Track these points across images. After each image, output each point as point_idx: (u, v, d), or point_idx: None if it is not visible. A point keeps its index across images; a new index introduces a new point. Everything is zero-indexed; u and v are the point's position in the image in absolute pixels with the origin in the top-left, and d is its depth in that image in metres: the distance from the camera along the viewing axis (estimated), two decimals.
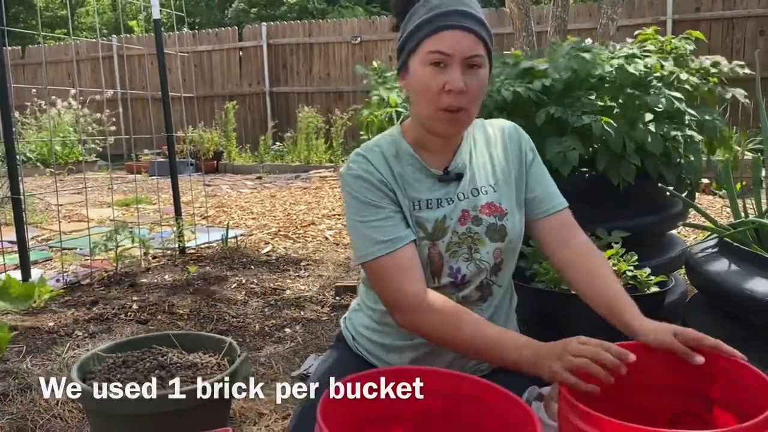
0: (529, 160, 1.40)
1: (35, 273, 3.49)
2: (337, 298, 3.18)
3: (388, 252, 1.23)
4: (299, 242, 4.50)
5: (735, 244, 1.61)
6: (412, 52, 1.25)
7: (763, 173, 1.87)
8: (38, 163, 8.65)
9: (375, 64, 3.03)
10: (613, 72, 2.23)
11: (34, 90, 8.21)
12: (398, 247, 1.23)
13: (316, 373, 1.49)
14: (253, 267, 3.74)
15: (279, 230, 4.90)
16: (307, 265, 3.85)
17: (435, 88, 1.21)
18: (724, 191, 1.90)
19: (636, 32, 2.79)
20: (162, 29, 4.09)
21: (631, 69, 2.23)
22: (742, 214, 1.82)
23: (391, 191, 1.28)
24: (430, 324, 1.20)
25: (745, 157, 5.15)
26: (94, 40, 5.98)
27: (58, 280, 3.41)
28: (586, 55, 2.22)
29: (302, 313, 3.00)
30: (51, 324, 2.83)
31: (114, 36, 12.33)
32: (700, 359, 1.08)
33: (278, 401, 2.10)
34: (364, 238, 1.26)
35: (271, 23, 11.60)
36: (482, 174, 1.36)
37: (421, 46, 1.22)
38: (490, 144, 1.40)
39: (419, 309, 1.21)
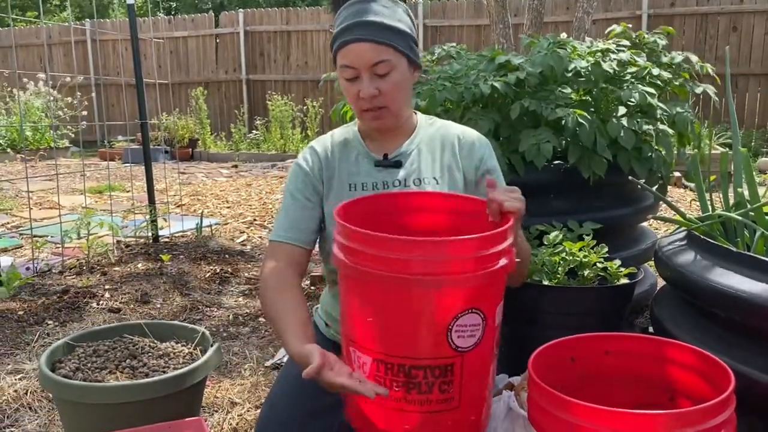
0: (480, 173, 1.43)
1: (5, 260, 3.44)
2: (311, 287, 3.18)
3: (279, 240, 1.39)
4: None
5: (702, 236, 1.64)
6: (335, 64, 1.37)
7: (732, 168, 1.90)
8: (8, 149, 8.48)
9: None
10: (589, 68, 2.26)
11: (7, 73, 8.02)
12: (285, 242, 1.39)
13: (290, 357, 1.52)
14: (227, 256, 3.72)
15: (254, 219, 4.87)
16: None
17: (353, 96, 1.34)
18: (694, 184, 1.93)
19: (608, 28, 2.81)
20: (136, 14, 4.03)
21: (606, 66, 2.26)
22: (710, 208, 1.86)
23: (325, 179, 1.42)
24: (261, 296, 1.37)
25: (714, 152, 5.24)
26: (66, 24, 5.85)
27: (28, 268, 3.36)
28: (562, 52, 2.24)
29: None
30: (21, 312, 2.79)
31: (87, 20, 12.10)
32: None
33: (251, 390, 2.11)
34: (278, 217, 1.43)
35: (249, 10, 11.47)
36: (429, 166, 1.42)
37: (336, 59, 1.35)
38: (445, 144, 1.45)
39: (260, 282, 1.38)
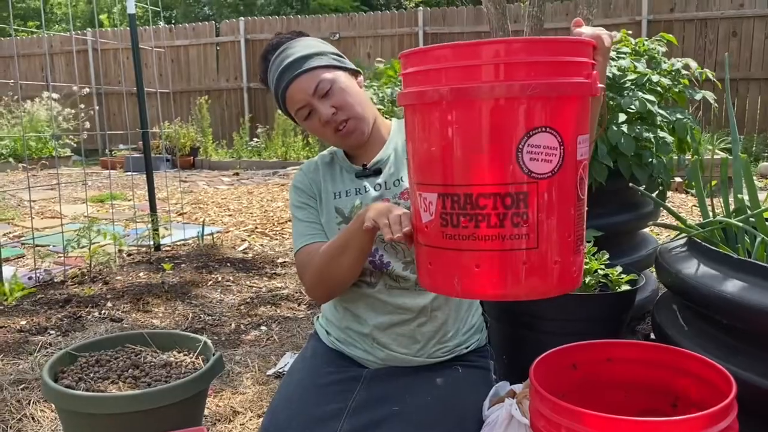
0: None
1: (7, 270, 3.45)
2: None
3: (306, 244, 1.45)
4: (276, 239, 4.49)
5: (703, 243, 1.64)
6: (291, 116, 1.47)
7: (731, 173, 1.90)
8: (10, 159, 8.51)
9: None
10: None
11: (12, 83, 8.04)
12: (312, 242, 1.45)
13: (292, 365, 1.54)
14: (229, 264, 3.72)
15: (256, 227, 4.88)
16: (284, 262, 3.84)
17: (319, 127, 1.43)
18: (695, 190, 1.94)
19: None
20: (137, 24, 4.06)
21: (607, 73, 2.26)
22: (711, 214, 1.86)
23: (317, 192, 1.51)
24: (311, 279, 1.40)
25: (716, 156, 5.23)
26: (67, 33, 5.87)
27: (30, 278, 3.37)
28: None
29: (278, 311, 3.00)
30: (23, 322, 2.79)
31: (89, 30, 12.15)
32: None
33: (253, 399, 2.11)
34: (295, 234, 1.50)
35: (249, 18, 11.51)
36: (405, 165, 1.46)
37: (290, 112, 1.45)
38: None
39: (307, 276, 1.42)
